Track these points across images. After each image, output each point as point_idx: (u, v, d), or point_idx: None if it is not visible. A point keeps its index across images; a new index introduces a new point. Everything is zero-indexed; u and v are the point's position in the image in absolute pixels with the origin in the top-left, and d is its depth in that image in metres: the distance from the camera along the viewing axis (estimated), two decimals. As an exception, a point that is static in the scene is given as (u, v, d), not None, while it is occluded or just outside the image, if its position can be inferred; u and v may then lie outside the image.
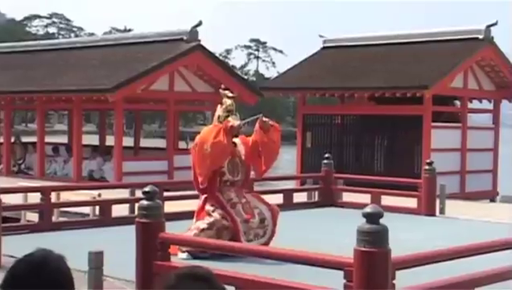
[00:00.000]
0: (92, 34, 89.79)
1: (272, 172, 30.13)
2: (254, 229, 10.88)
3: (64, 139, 29.68)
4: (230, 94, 11.31)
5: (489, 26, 22.37)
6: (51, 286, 2.28)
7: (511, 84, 23.64)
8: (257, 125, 11.07)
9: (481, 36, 22.24)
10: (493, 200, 23.39)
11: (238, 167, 11.17)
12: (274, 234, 11.02)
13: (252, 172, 11.68)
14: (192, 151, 11.00)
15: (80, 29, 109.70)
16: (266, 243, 10.82)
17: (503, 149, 24.89)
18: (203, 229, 10.57)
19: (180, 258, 9.83)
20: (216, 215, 10.71)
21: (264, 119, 11.08)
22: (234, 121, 10.83)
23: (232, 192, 11.00)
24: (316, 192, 17.15)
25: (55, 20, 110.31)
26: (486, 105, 24.74)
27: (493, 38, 22.57)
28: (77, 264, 4.75)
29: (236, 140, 11.17)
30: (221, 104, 11.23)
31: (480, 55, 22.54)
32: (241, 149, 11.19)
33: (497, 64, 23.09)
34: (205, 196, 10.94)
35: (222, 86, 11.49)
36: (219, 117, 11.06)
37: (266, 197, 12.10)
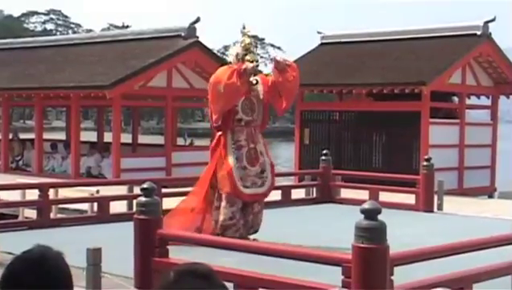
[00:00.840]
0: (89, 30, 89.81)
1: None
2: (252, 176, 11.18)
3: (62, 136, 29.67)
4: (249, 32, 11.62)
5: (486, 23, 22.35)
6: (49, 283, 2.28)
7: (509, 80, 23.65)
8: (272, 65, 11.35)
9: (478, 32, 22.23)
10: (491, 196, 23.38)
11: (254, 107, 11.40)
12: (273, 187, 11.69)
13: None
14: (208, 90, 11.29)
15: (78, 25, 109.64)
16: (265, 194, 11.38)
17: (501, 145, 24.89)
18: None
19: None
20: (221, 215, 11.09)
21: (278, 59, 11.35)
22: (248, 63, 11.07)
23: (243, 134, 11.25)
24: (314, 189, 17.15)
25: (53, 17, 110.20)
26: (484, 101, 24.74)
27: (490, 34, 22.57)
28: (75, 261, 4.75)
29: (255, 79, 11.43)
30: (241, 42, 11.53)
31: (478, 51, 22.53)
32: (260, 89, 11.40)
33: (494, 59, 23.08)
34: (219, 134, 11.33)
35: (243, 24, 11.74)
36: (237, 55, 11.33)
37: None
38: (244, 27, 11.67)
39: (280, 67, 11.25)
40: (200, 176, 11.80)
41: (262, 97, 11.39)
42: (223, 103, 11.02)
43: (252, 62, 11.20)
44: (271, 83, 11.32)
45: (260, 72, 12.08)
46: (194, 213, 11.31)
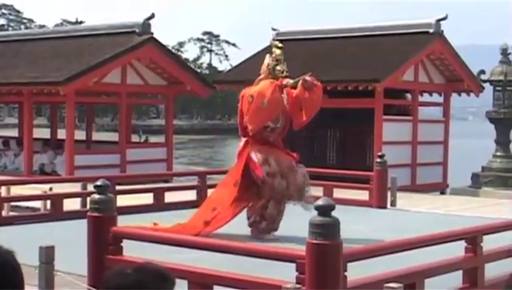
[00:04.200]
0: (42, 26, 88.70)
1: (226, 166, 30.05)
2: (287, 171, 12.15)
3: (14, 133, 29.29)
4: (280, 44, 12.40)
5: (438, 21, 22.61)
6: None
7: (461, 78, 23.95)
8: (300, 82, 11.96)
9: (431, 30, 22.48)
10: (443, 192, 23.69)
11: (279, 116, 12.16)
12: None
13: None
14: (245, 101, 12.02)
15: (31, 21, 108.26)
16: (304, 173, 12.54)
17: (453, 142, 25.22)
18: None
19: None
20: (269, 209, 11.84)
21: (306, 78, 12.00)
22: (289, 80, 11.95)
23: (269, 139, 12.09)
24: (269, 185, 17.15)
25: (5, 11, 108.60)
26: (437, 98, 25.06)
27: (442, 32, 22.84)
28: (28, 259, 4.71)
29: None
30: (271, 53, 12.38)
31: (430, 48, 22.78)
32: (285, 99, 12.10)
33: (446, 57, 23.36)
34: (246, 139, 12.03)
35: (273, 36, 12.35)
36: (268, 65, 12.15)
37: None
38: (274, 39, 12.30)
39: (307, 85, 11.95)
40: (228, 174, 12.51)
41: (286, 107, 12.05)
42: (266, 116, 11.85)
43: (282, 72, 12.05)
44: (295, 96, 11.96)
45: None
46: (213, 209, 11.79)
